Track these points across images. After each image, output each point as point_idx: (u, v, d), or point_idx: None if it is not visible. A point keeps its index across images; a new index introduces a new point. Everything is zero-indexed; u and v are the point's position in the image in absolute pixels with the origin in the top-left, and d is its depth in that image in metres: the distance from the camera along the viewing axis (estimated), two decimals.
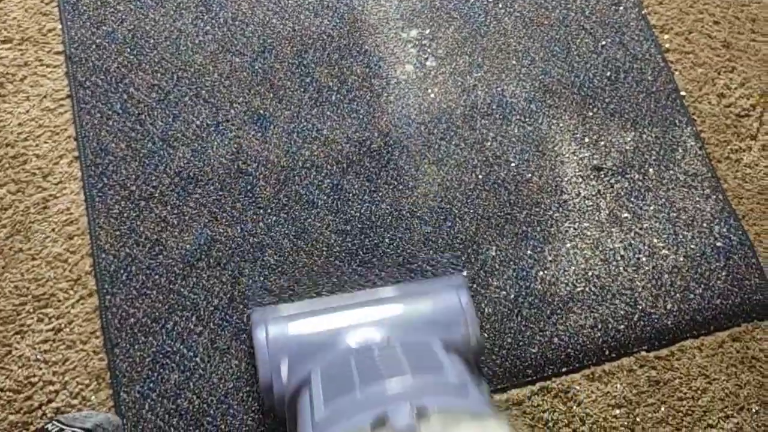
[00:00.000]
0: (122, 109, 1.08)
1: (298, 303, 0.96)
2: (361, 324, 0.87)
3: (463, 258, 1.05)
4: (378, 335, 0.83)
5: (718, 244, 1.10)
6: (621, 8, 1.24)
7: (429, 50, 1.18)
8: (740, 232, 1.11)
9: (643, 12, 1.24)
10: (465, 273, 1.04)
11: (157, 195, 1.04)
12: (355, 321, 0.88)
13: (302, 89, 1.13)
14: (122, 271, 1.00)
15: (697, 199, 1.13)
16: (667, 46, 1.23)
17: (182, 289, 1.00)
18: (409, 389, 0.71)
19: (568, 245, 1.08)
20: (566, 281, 1.06)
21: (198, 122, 1.09)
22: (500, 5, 1.22)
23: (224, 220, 1.04)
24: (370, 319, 0.89)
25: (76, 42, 1.11)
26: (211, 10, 1.16)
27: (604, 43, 1.21)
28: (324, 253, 1.04)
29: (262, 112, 1.11)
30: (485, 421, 0.66)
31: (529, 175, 1.12)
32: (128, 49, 1.12)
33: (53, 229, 1.02)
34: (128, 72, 1.11)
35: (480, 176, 1.11)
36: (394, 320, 0.89)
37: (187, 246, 1.02)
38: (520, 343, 1.02)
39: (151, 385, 0.95)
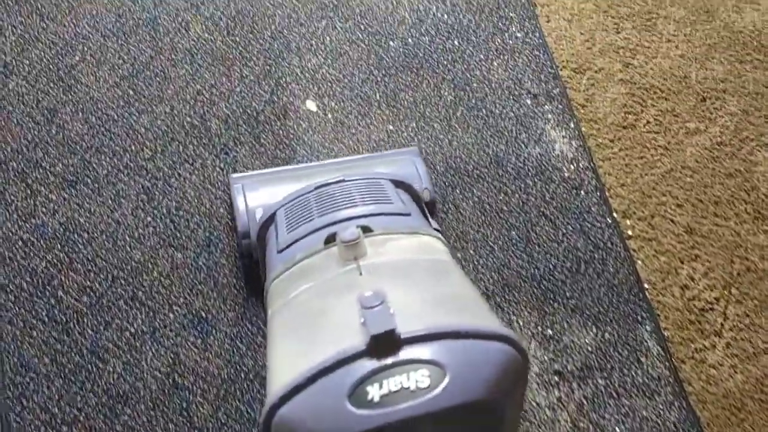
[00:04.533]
0: (48, 317, 1.00)
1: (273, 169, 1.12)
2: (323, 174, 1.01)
3: None
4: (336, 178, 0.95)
5: None
6: (582, 192, 1.21)
7: None
8: None
9: (604, 196, 1.21)
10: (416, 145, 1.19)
11: (81, 419, 0.95)
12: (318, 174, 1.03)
13: (249, 287, 1.06)
14: None
15: (660, 406, 1.08)
16: (629, 232, 1.20)
17: None
18: (357, 214, 0.84)
19: None
20: None
21: (132, 329, 1.01)
22: (458, 191, 1.18)
23: None
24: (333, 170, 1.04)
25: (0, 238, 1.03)
26: (153, 198, 1.09)
27: (564, 230, 1.18)
28: None
29: (203, 314, 1.04)
30: (421, 237, 0.81)
31: None
32: (59, 245, 1.04)
33: None
34: (57, 272, 1.03)
35: None
36: (354, 170, 1.03)
37: None
38: None
39: None
